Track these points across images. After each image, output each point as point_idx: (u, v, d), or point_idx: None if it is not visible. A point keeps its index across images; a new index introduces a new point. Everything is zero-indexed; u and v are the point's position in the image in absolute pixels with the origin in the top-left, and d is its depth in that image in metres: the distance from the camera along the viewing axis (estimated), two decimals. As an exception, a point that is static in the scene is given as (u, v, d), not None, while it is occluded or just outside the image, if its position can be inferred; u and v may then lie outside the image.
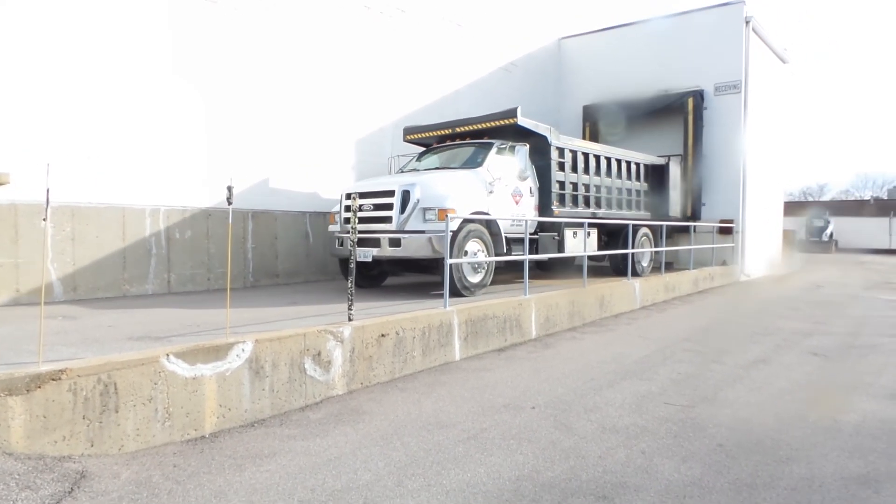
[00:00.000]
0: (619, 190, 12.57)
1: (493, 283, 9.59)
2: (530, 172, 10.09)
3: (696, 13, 16.79)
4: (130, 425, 4.03)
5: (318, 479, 3.82)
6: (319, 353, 5.31)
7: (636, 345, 8.26)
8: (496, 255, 9.05)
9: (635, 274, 12.12)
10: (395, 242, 8.44)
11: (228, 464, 4.01)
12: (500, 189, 9.43)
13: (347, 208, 9.04)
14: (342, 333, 5.54)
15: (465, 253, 8.57)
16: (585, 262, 10.57)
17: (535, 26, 17.80)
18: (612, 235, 12.43)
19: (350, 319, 5.83)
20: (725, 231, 16.24)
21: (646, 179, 13.60)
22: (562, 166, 10.74)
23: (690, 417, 5.17)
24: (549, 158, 10.43)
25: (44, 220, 4.17)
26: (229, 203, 5.03)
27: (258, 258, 10.63)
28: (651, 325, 9.93)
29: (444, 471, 4.00)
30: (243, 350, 4.71)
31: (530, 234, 9.87)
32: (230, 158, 10.16)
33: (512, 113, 9.97)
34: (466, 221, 8.58)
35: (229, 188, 5.02)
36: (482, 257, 8.81)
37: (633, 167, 13.08)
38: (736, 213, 16.31)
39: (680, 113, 16.49)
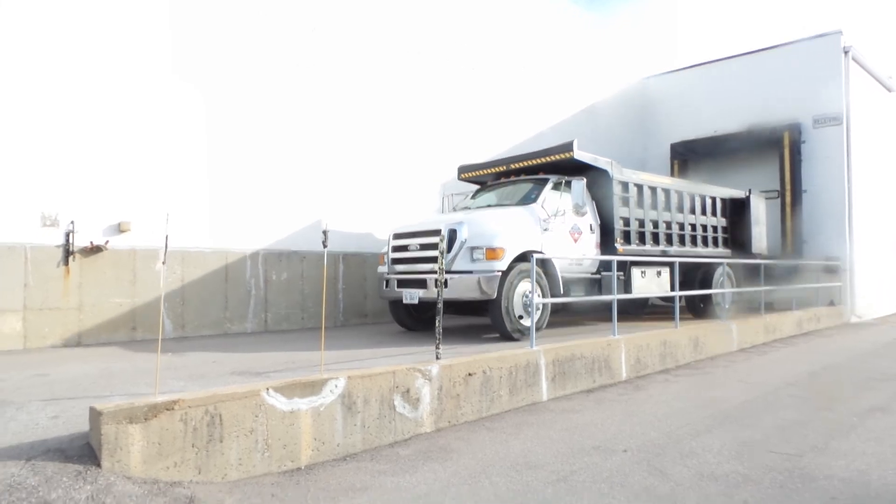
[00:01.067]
0: (694, 226, 11.84)
1: (549, 325, 9.11)
2: (589, 208, 9.67)
3: (790, 46, 16.26)
4: (234, 455, 4.25)
5: (410, 514, 3.87)
6: (408, 391, 5.41)
7: (735, 389, 7.83)
8: (552, 296, 8.61)
9: (715, 317, 11.45)
10: (445, 283, 7.92)
11: (323, 496, 4.14)
12: (557, 226, 9.02)
13: (395, 248, 8.99)
14: (430, 372, 5.63)
15: (513, 295, 8.21)
16: (677, 303, 10.20)
17: (619, 67, 17.78)
18: (687, 274, 11.62)
19: (437, 358, 5.92)
20: (830, 269, 15.24)
21: (724, 214, 12.78)
22: (626, 201, 10.19)
23: (798, 467, 4.84)
24: (610, 193, 9.89)
25: (163, 262, 4.56)
26: (324, 246, 5.30)
27: (348, 298, 11.01)
28: (751, 368, 9.40)
29: (534, 512, 3.94)
30: (336, 386, 4.89)
31: (592, 273, 9.56)
32: (322, 203, 10.69)
33: (568, 147, 9.52)
34: (517, 261, 8.25)
35: (324, 232, 5.30)
36: (537, 299, 8.12)
37: (710, 202, 12.37)
38: (842, 251, 15.30)
39: (776, 148, 15.86)
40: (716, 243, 12.40)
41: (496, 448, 5.27)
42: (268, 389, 4.49)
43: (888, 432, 5.87)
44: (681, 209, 11.46)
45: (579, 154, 9.50)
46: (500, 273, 7.97)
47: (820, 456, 5.11)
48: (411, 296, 8.46)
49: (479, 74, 13.51)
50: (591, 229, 9.65)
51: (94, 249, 8.25)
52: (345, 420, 4.91)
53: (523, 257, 8.27)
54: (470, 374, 6.00)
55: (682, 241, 11.47)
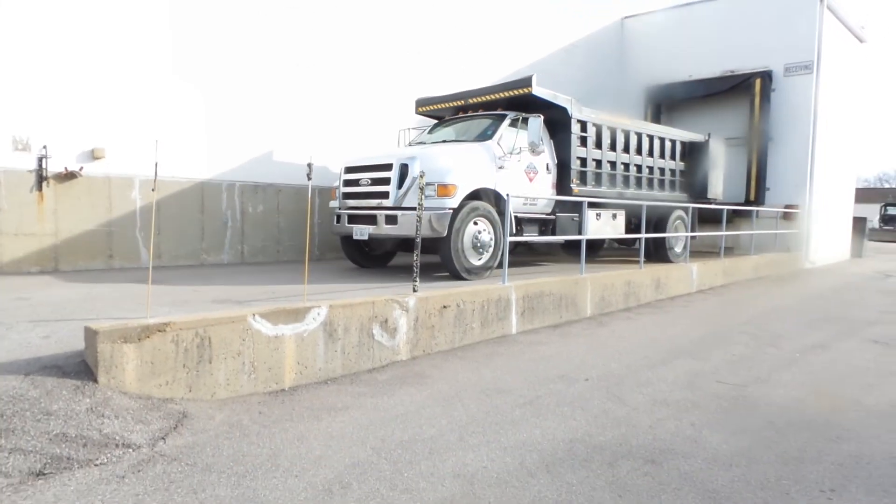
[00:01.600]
0: (651, 169, 11.53)
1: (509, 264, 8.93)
2: (547, 147, 9.38)
3: (766, -9, 16.27)
4: (222, 375, 4.51)
5: (387, 430, 4.20)
6: (386, 321, 5.69)
7: (691, 326, 8.34)
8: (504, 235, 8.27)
9: (667, 261, 11.56)
10: (392, 220, 7.91)
11: (307, 414, 4.45)
12: (513, 165, 8.75)
13: (346, 182, 8.74)
14: (407, 303, 5.90)
15: (462, 234, 7.97)
16: (643, 245, 10.61)
17: (598, 5, 17.60)
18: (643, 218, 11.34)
19: (415, 290, 6.19)
20: (789, 216, 15.85)
21: (682, 158, 12.43)
22: (584, 141, 9.87)
23: (742, 395, 5.31)
24: (569, 132, 9.54)
25: (152, 189, 4.65)
26: (309, 178, 5.43)
27: (323, 233, 11.14)
28: (707, 308, 9.95)
29: (502, 430, 4.31)
30: (319, 314, 5.13)
31: (547, 214, 9.36)
32: (298, 136, 10.64)
33: (526, 82, 9.03)
34: (470, 198, 8.05)
35: (309, 165, 5.41)
36: (485, 237, 8.24)
37: (669, 144, 12.00)
38: (802, 199, 15.87)
39: (747, 94, 16.09)
40: (673, 187, 12.24)
41: (468, 375, 5.63)
42: (254, 315, 4.71)
43: (825, 367, 6.42)
44: (639, 151, 11.26)
45: (538, 90, 9.10)
46: (450, 210, 7.78)
47: (763, 386, 5.60)
48: (361, 232, 8.24)
49: (455, 5, 13.29)
50: (547, 169, 9.42)
51: (69, 175, 8.17)
52: (326, 346, 5.18)
53: (476, 195, 8.19)
54: (444, 307, 6.30)
55: (638, 183, 11.29)
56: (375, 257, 9.60)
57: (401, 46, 12.17)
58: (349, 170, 8.73)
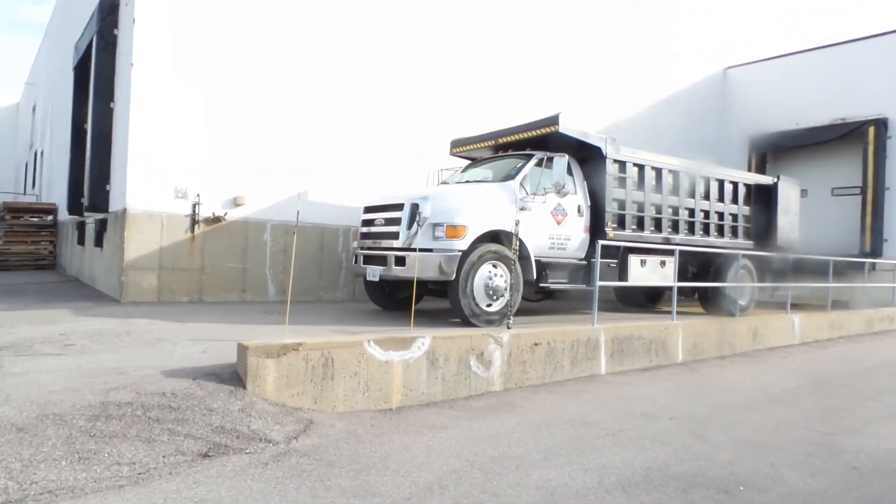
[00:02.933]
0: (707, 213, 10.71)
1: (531, 311, 8.82)
2: (580, 189, 8.97)
3: (878, 38, 15.84)
4: (341, 391, 5.28)
5: (480, 447, 4.77)
6: (482, 353, 6.30)
7: (787, 377, 8.30)
8: (524, 281, 8.03)
9: (728, 314, 10.45)
10: (401, 261, 7.70)
11: (411, 429, 5.11)
12: (537, 206, 8.37)
13: (363, 222, 8.66)
14: (502, 339, 6.50)
15: (473, 278, 7.61)
16: (757, 296, 10.44)
17: (699, 57, 17.79)
18: (699, 266, 10.77)
19: (508, 328, 6.78)
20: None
21: (746, 202, 11.46)
22: (622, 182, 9.35)
23: (829, 443, 5.40)
24: (604, 173, 9.06)
25: (293, 232, 5.60)
26: (418, 224, 6.22)
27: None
28: (808, 361, 9.75)
29: (584, 455, 4.76)
30: (423, 344, 5.84)
31: (580, 259, 8.90)
32: (396, 185, 11.64)
33: (553, 120, 8.70)
34: (484, 241, 7.73)
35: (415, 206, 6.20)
36: (499, 282, 7.81)
37: (729, 187, 11.16)
38: (926, 252, 14.98)
39: (859, 142, 15.59)
40: (734, 233, 11.21)
41: (556, 407, 6.10)
42: (369, 341, 5.49)
43: (927, 422, 6.29)
44: (692, 194, 10.47)
45: (565, 128, 8.69)
46: (459, 252, 7.51)
47: (853, 436, 5.65)
48: (373, 273, 8.04)
49: (549, 52, 14.02)
50: (578, 211, 8.91)
51: (215, 220, 9.57)
52: (429, 373, 5.87)
53: (496, 238, 7.93)
54: (536, 344, 6.83)
55: (691, 229, 10.44)
56: (398, 300, 9.27)
57: (493, 97, 13.04)
58: (367, 209, 8.66)
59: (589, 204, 9.11)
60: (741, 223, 11.35)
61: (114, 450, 3.89)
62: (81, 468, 3.67)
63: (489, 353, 6.37)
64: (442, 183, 9.72)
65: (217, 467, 3.96)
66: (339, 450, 4.46)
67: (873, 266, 14.20)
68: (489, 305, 7.77)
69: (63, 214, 14.93)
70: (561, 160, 8.31)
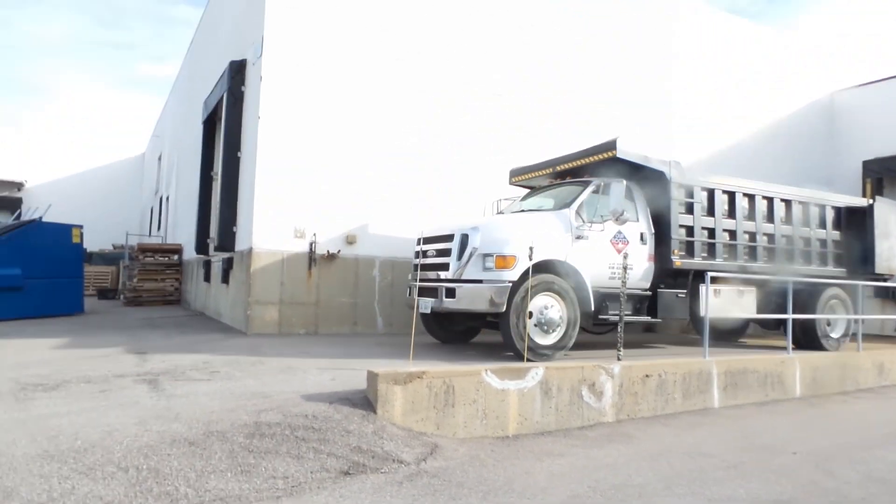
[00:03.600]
0: (790, 239, 10.03)
1: (593, 344, 8.60)
2: (642, 215, 8.66)
3: None
4: (461, 418, 5.56)
5: (600, 475, 4.89)
6: (594, 384, 6.41)
7: (920, 414, 7.81)
8: (582, 313, 7.75)
9: (820, 348, 9.63)
10: (451, 293, 7.54)
11: (530, 455, 5.29)
12: (595, 235, 8.10)
13: (417, 254, 8.52)
14: (612, 370, 6.58)
15: (530, 310, 7.34)
16: (861, 328, 9.91)
17: (804, 81, 17.22)
18: (785, 296, 9.54)
19: (619, 359, 6.85)
20: None
21: (837, 226, 10.76)
22: (689, 208, 8.96)
23: (974, 483, 5.10)
24: (668, 198, 8.70)
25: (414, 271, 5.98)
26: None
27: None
28: (944, 398, 9.08)
29: (706, 486, 4.76)
30: (537, 374, 6.04)
31: (643, 289, 8.52)
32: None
33: (611, 145, 8.48)
34: (538, 271, 7.36)
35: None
36: (553, 314, 7.52)
37: (815, 210, 10.45)
38: None
39: None
40: (824, 260, 10.51)
41: (671, 439, 6.09)
42: (486, 371, 5.76)
43: None
44: (770, 218, 9.88)
45: (623, 153, 8.45)
46: (509, 283, 7.33)
47: None
48: (425, 305, 7.83)
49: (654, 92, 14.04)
50: (641, 239, 8.57)
51: (330, 257, 10.25)
52: (542, 402, 6.04)
53: (551, 268, 7.66)
54: (647, 376, 6.85)
55: (771, 256, 9.82)
56: (457, 332, 9.11)
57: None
58: (420, 241, 8.56)
59: (653, 231, 8.75)
60: (830, 249, 10.64)
61: (269, 464, 4.33)
62: (244, 479, 4.13)
63: (600, 384, 6.47)
64: (499, 213, 9.69)
65: (358, 484, 4.31)
66: (466, 472, 4.71)
67: None
68: (542, 338, 7.49)
69: (188, 254, 16.32)
70: (618, 186, 8.00)
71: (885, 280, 11.01)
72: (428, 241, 8.40)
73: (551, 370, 6.16)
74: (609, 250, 8.24)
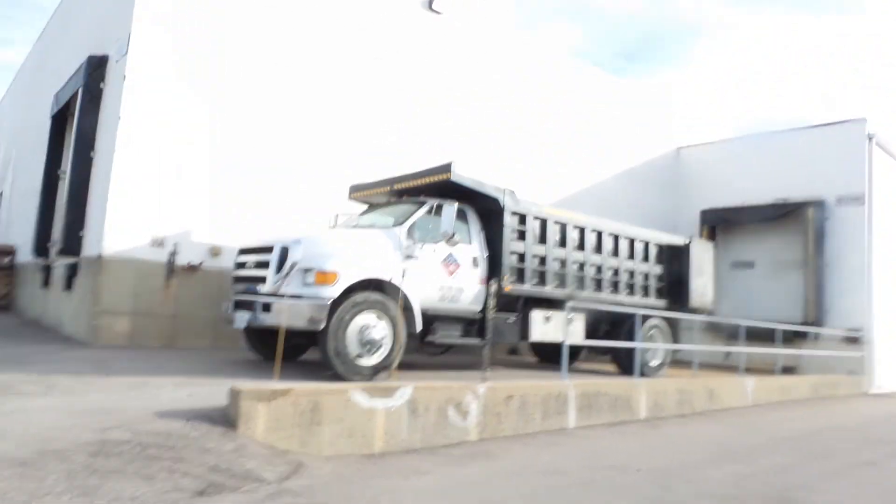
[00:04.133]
0: (616, 271, 10.71)
1: (421, 365, 8.63)
2: (475, 239, 8.74)
3: (819, 128, 17.40)
4: (327, 436, 5.42)
5: (464, 491, 4.98)
6: (460, 404, 6.54)
7: (744, 436, 8.74)
8: (408, 333, 7.64)
9: (642, 374, 9.91)
10: (267, 308, 7.16)
11: (396, 473, 5.27)
12: (426, 255, 8.02)
13: (236, 265, 8.19)
14: (478, 391, 6.76)
15: (345, 329, 7.06)
16: (671, 357, 10.86)
17: (653, 135, 19.06)
18: (614, 326, 10.54)
19: (484, 381, 7.05)
20: (852, 339, 15.91)
21: (659, 261, 11.54)
22: (522, 235, 9.18)
23: (785, 497, 5.73)
24: (501, 225, 8.83)
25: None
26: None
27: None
28: (761, 421, 10.24)
29: (560, 502, 5.00)
30: (405, 393, 6.06)
31: (476, 312, 8.52)
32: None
33: (445, 168, 8.46)
34: (361, 289, 7.25)
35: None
36: (376, 334, 7.28)
37: (640, 246, 11.21)
38: (865, 322, 15.99)
39: (799, 221, 16.79)
40: (646, 292, 11.21)
41: (530, 457, 6.35)
42: (355, 390, 5.69)
43: (873, 481, 6.76)
44: (598, 250, 10.45)
45: (458, 176, 8.46)
46: (329, 300, 7.01)
47: (806, 492, 5.99)
48: (241, 319, 7.47)
49: (520, 133, 14.85)
50: (474, 262, 8.59)
51: (191, 268, 9.66)
52: (410, 421, 6.05)
53: (375, 287, 7.48)
54: (510, 397, 7.10)
55: (598, 286, 10.41)
56: (290, 347, 8.40)
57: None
58: (240, 252, 8.23)
59: (485, 255, 8.81)
60: (653, 282, 11.40)
61: (115, 485, 3.95)
62: (85, 502, 3.73)
63: (466, 404, 6.61)
64: (335, 227, 9.43)
65: (214, 504, 4.05)
66: (330, 491, 4.59)
67: (816, 336, 15.08)
68: (362, 357, 7.23)
69: (23, 256, 14.64)
70: (450, 208, 7.95)
71: (699, 313, 11.99)
72: (248, 251, 8.04)
73: (420, 389, 6.21)
74: (440, 272, 8.22)
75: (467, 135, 13.43)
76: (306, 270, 7.15)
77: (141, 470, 4.18)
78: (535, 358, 12.44)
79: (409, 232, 8.02)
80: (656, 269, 11.51)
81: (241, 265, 8.09)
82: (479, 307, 8.55)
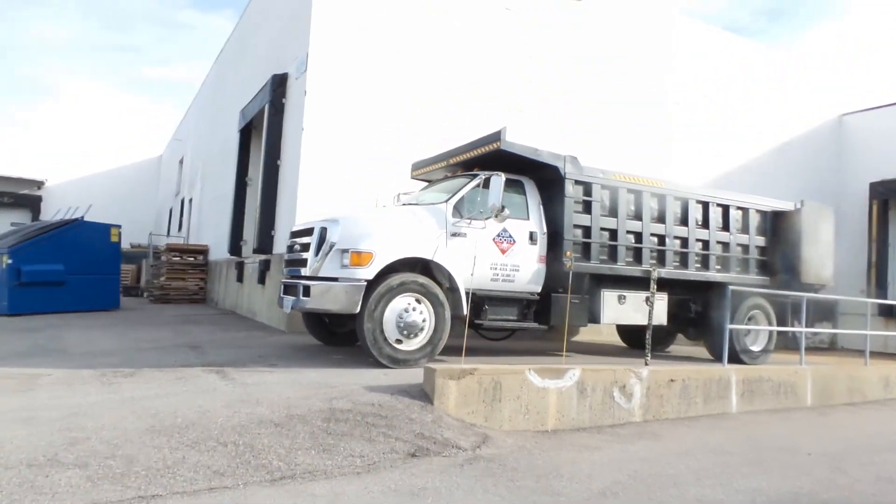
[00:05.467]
0: (707, 244, 9.59)
1: (476, 350, 8.12)
2: (526, 212, 8.16)
3: None
4: (506, 412, 6.08)
5: (636, 466, 5.40)
6: (624, 386, 6.93)
7: (925, 425, 8.32)
8: (453, 316, 7.28)
9: (737, 361, 9.08)
10: (307, 291, 6.96)
11: (570, 448, 5.82)
12: (475, 233, 7.56)
13: (287, 248, 8.04)
14: (641, 374, 7.11)
15: (381, 312, 6.88)
16: (868, 340, 10.44)
17: (812, 104, 17.81)
18: (706, 307, 9.62)
19: (646, 364, 7.38)
20: None
21: (761, 232, 10.23)
22: (588, 207, 8.46)
23: (975, 485, 5.59)
24: (562, 196, 8.19)
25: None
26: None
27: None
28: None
29: (733, 479, 5.26)
30: (574, 375, 6.57)
31: (531, 293, 8.04)
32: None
33: (495, 137, 7.90)
34: (403, 269, 7.03)
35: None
36: (416, 318, 7.06)
37: (736, 214, 9.98)
38: None
39: None
40: (745, 267, 9.99)
41: (696, 437, 6.61)
42: (529, 370, 6.29)
43: None
44: (684, 222, 9.41)
45: (508, 144, 7.83)
46: (364, 282, 6.83)
47: None
48: (287, 304, 7.40)
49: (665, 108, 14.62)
50: (531, 238, 8.03)
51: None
52: (578, 401, 6.56)
53: (417, 267, 7.25)
54: (672, 381, 7.37)
55: (683, 261, 9.34)
56: (340, 335, 8.47)
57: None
58: (291, 234, 8.07)
59: (544, 231, 8.20)
60: (754, 255, 10.10)
61: (346, 445, 4.86)
62: (327, 457, 4.66)
63: (630, 386, 6.99)
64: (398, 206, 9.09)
65: (425, 465, 4.83)
66: (517, 459, 5.24)
67: None
68: (401, 343, 7.06)
69: (215, 255, 16.86)
70: (497, 180, 7.39)
71: (815, 291, 10.53)
72: (295, 234, 7.90)
73: (587, 371, 6.68)
74: (492, 249, 7.74)
75: (625, 119, 13.52)
76: (343, 251, 6.96)
77: (364, 434, 5.07)
78: (621, 343, 11.80)
79: (456, 208, 7.64)
80: (758, 241, 10.23)
81: (290, 248, 7.94)
82: (537, 287, 8.13)
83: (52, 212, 30.92)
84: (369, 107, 11.03)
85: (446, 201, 7.69)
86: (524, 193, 8.24)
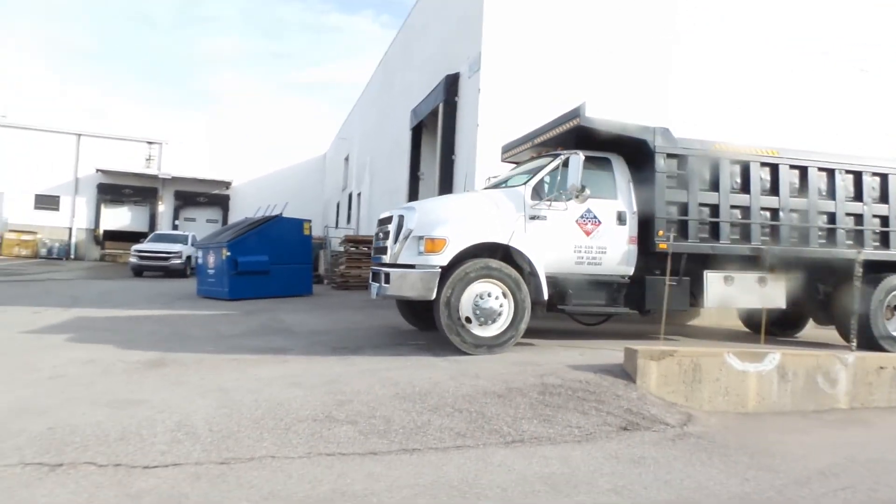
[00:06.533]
0: (833, 217, 8.66)
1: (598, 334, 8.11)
2: (622, 192, 7.84)
3: None
4: (706, 393, 6.25)
5: (852, 450, 5.34)
6: (828, 372, 6.78)
7: None
8: (533, 302, 7.20)
9: (877, 348, 8.34)
10: (388, 278, 7.08)
11: (775, 430, 5.86)
12: (556, 215, 7.42)
13: (375, 236, 8.16)
14: (847, 360, 6.89)
15: (458, 298, 6.91)
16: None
17: None
18: (837, 287, 8.71)
19: (852, 350, 7.13)
20: None
21: (885, 199, 8.98)
22: (682, 181, 7.94)
23: None
24: (652, 171, 7.75)
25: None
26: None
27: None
28: None
29: (965, 468, 5.06)
30: (774, 359, 6.55)
31: (622, 276, 7.74)
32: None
33: (574, 113, 7.61)
34: (475, 255, 7.02)
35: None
36: (492, 303, 7.03)
37: (871, 181, 8.83)
38: None
39: None
40: (884, 241, 8.86)
41: (912, 427, 6.34)
42: (728, 353, 6.40)
43: None
44: (800, 191, 8.51)
45: (588, 120, 7.51)
46: (438, 269, 6.86)
47: None
48: (374, 290, 7.50)
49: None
50: (619, 219, 7.71)
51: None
52: (779, 385, 6.54)
53: (493, 252, 7.20)
54: (881, 368, 7.05)
55: (802, 237, 8.48)
56: (431, 319, 8.14)
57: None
58: (378, 222, 8.16)
59: (634, 210, 7.84)
60: (884, 227, 8.93)
61: (563, 416, 5.35)
62: (548, 426, 5.17)
63: (835, 373, 6.81)
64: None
65: (637, 438, 5.19)
66: (725, 437, 5.42)
67: None
68: (478, 328, 7.06)
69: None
70: (576, 159, 7.15)
71: None
72: (381, 222, 7.98)
73: (787, 356, 6.64)
74: (575, 231, 7.53)
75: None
76: (419, 238, 7.03)
77: (577, 407, 5.53)
78: (745, 328, 10.93)
79: (536, 190, 7.48)
80: (884, 209, 9.01)
81: (376, 236, 8.12)
82: (628, 269, 7.84)
83: (237, 209, 34.88)
84: (540, 101, 11.38)
85: (525, 184, 7.57)
86: (612, 171, 7.95)
